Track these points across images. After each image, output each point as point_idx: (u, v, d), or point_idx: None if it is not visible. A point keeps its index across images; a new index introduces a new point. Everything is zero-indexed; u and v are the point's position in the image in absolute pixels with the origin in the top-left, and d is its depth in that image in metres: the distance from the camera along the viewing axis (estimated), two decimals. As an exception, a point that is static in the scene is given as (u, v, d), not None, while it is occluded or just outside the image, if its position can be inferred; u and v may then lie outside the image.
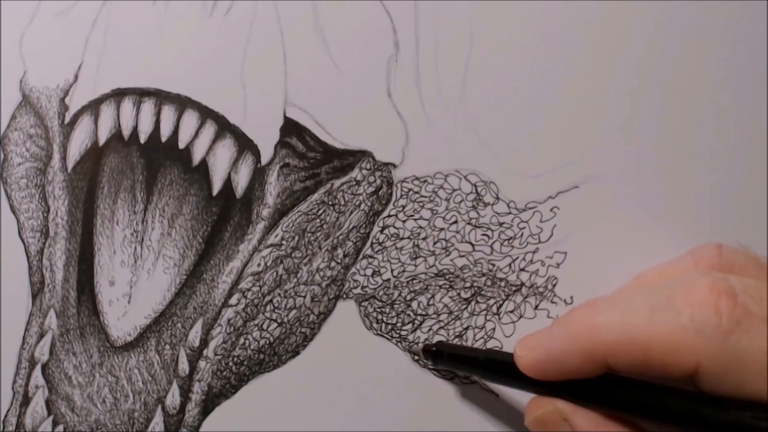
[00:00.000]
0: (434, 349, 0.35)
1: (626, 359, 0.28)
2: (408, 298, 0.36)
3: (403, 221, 0.37)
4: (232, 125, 0.38)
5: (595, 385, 0.29)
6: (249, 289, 0.37)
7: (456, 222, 0.36)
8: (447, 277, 0.36)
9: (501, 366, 0.32)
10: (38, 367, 0.38)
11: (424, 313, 0.36)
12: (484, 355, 0.34)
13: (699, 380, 0.27)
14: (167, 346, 0.37)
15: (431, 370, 0.36)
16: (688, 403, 0.27)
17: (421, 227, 0.37)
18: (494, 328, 0.36)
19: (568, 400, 0.30)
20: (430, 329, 0.36)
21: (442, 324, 0.36)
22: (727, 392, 0.26)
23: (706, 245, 0.32)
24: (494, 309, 0.36)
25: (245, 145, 0.38)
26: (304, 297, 0.37)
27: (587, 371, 0.29)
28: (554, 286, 0.36)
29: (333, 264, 0.37)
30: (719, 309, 0.26)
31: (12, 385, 0.38)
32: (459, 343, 0.36)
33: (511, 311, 0.36)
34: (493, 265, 0.36)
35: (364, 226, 0.37)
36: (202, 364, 0.37)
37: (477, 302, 0.36)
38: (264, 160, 0.38)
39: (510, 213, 0.36)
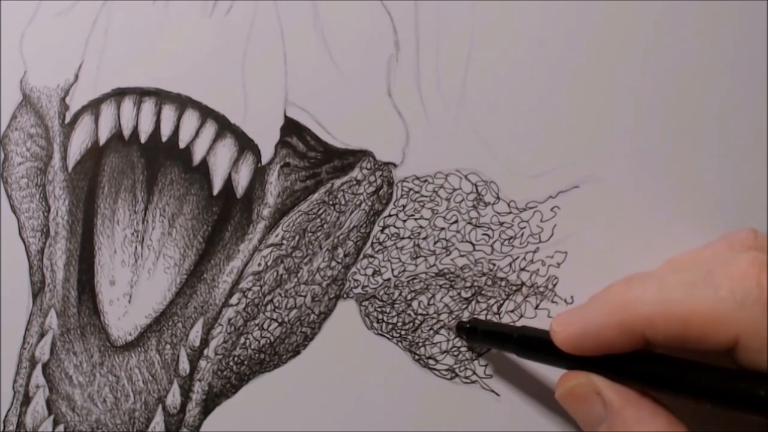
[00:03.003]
0: (468, 326, 0.35)
1: (664, 332, 0.28)
2: (408, 297, 0.37)
3: (404, 221, 0.37)
4: (232, 125, 0.38)
5: (630, 360, 0.29)
6: (250, 289, 0.37)
7: (456, 221, 0.36)
8: (447, 276, 0.36)
9: (536, 342, 0.32)
10: (39, 367, 0.38)
11: (424, 312, 0.36)
12: (518, 331, 0.33)
13: (737, 354, 0.27)
14: (168, 346, 0.37)
15: (432, 369, 0.36)
16: (725, 378, 0.27)
17: (421, 227, 0.37)
18: (495, 328, 0.36)
19: (603, 375, 0.30)
20: (430, 329, 0.36)
21: (442, 323, 0.36)
22: (765, 367, 0.26)
23: (740, 230, 0.32)
24: (495, 309, 0.36)
25: (246, 144, 0.38)
26: (305, 296, 0.37)
27: (624, 345, 0.29)
28: (555, 285, 0.36)
29: (333, 263, 0.37)
30: (761, 282, 0.26)
31: (12, 385, 0.38)
32: (459, 342, 0.36)
33: (512, 311, 0.36)
34: (494, 264, 0.36)
35: (364, 225, 0.37)
36: (202, 363, 0.37)
37: (477, 302, 0.36)
38: (264, 159, 0.38)
39: (510, 212, 0.36)
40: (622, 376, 0.30)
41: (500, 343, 0.34)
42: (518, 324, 0.36)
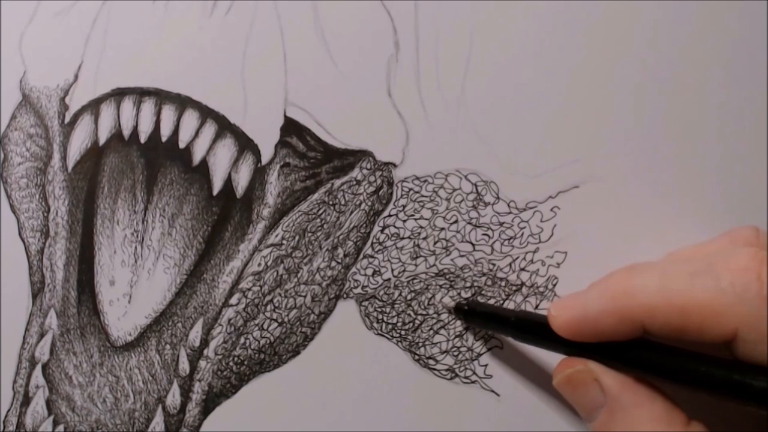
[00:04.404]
0: (466, 307, 0.35)
1: (663, 322, 0.28)
2: (408, 297, 0.37)
3: (404, 221, 0.37)
4: (232, 125, 0.38)
5: (627, 348, 0.29)
6: (249, 289, 0.37)
7: (456, 222, 0.36)
8: (447, 276, 0.36)
9: (534, 326, 0.32)
10: (38, 367, 0.38)
11: (424, 312, 0.36)
12: (516, 315, 0.33)
13: (735, 346, 0.27)
14: (168, 346, 0.37)
15: (432, 369, 0.36)
16: (721, 369, 0.27)
17: (421, 227, 0.37)
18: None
19: (600, 362, 0.30)
20: (430, 329, 0.36)
21: (442, 323, 0.36)
22: (762, 360, 0.26)
23: (743, 227, 0.32)
24: (495, 308, 0.36)
25: (245, 144, 0.38)
26: (305, 297, 0.37)
27: (622, 333, 0.29)
28: (555, 285, 0.36)
29: (333, 264, 0.37)
30: (761, 276, 0.27)
31: (12, 385, 0.38)
32: (459, 342, 0.36)
33: (512, 311, 0.36)
34: (494, 264, 0.36)
35: (364, 225, 0.37)
36: (202, 363, 0.37)
37: (477, 302, 0.36)
38: (264, 159, 0.38)
39: (510, 213, 0.36)
40: (619, 363, 0.30)
41: (497, 326, 0.34)
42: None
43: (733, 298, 0.27)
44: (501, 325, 0.34)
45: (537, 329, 0.32)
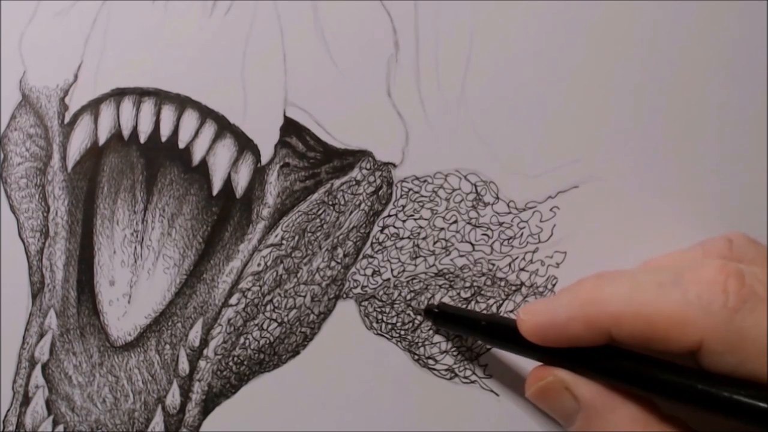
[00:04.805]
0: (436, 310, 0.35)
1: (630, 331, 0.28)
2: (408, 297, 0.36)
3: (403, 221, 0.37)
4: (232, 125, 0.38)
5: (595, 354, 0.30)
6: (249, 289, 0.37)
7: (456, 222, 0.36)
8: (447, 276, 0.36)
9: (503, 330, 0.32)
10: (38, 367, 0.38)
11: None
12: (486, 318, 0.34)
13: (700, 356, 0.27)
14: (167, 346, 0.37)
15: (431, 369, 0.36)
16: (687, 378, 0.27)
17: (421, 227, 0.37)
18: (494, 328, 0.36)
19: (568, 369, 0.30)
20: (430, 328, 0.36)
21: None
22: (726, 370, 0.27)
23: (716, 238, 0.32)
24: (494, 309, 0.36)
25: (245, 144, 0.38)
26: (304, 297, 0.37)
27: (589, 340, 0.29)
28: (554, 285, 0.36)
29: (333, 264, 0.37)
30: (727, 288, 0.27)
31: (12, 385, 0.38)
32: (458, 341, 0.36)
33: (511, 311, 0.36)
34: (493, 264, 0.36)
35: (364, 225, 0.37)
36: (202, 363, 0.37)
37: (477, 302, 0.36)
38: (264, 159, 0.38)
39: (510, 213, 0.36)
40: (587, 369, 0.30)
41: (468, 330, 0.34)
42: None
43: (699, 310, 0.27)
44: (471, 329, 0.34)
45: (507, 334, 0.32)
